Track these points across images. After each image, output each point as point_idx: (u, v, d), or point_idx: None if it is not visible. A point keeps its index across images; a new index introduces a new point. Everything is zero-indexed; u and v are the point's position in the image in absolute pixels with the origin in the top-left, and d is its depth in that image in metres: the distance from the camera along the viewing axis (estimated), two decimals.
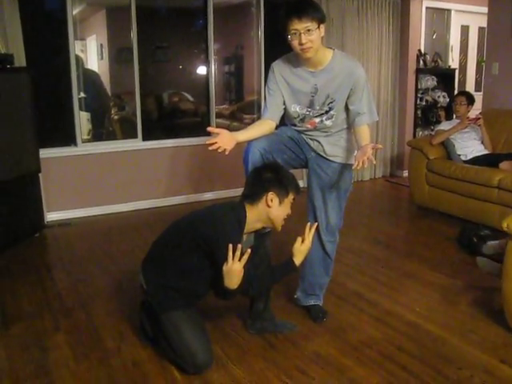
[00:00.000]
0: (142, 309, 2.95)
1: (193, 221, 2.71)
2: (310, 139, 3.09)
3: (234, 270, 2.48)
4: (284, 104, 3.02)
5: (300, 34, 2.70)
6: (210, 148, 2.67)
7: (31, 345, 3.02)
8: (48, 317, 3.35)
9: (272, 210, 2.68)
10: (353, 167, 2.72)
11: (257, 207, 2.69)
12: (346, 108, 2.98)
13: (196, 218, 2.73)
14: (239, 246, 2.45)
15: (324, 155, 3.09)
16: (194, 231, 2.62)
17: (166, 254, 2.74)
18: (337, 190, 3.11)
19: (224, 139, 2.70)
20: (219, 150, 2.68)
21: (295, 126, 3.10)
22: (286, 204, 2.72)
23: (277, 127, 3.08)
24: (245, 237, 2.73)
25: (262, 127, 3.01)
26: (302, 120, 3.03)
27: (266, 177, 2.69)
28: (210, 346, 2.74)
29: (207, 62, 6.29)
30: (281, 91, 2.99)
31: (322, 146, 3.07)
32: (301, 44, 2.73)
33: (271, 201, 2.67)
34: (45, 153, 5.25)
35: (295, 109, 3.00)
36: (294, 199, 2.77)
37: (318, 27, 2.73)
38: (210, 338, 2.80)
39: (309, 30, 2.70)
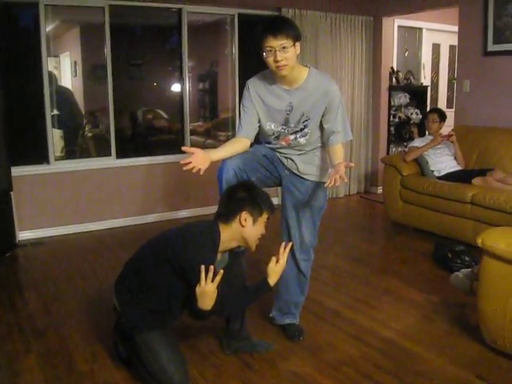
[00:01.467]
0: (115, 330, 2.89)
1: (165, 240, 2.67)
2: (284, 157, 3.09)
3: (207, 291, 2.44)
4: (259, 122, 3.01)
5: (275, 51, 2.70)
6: (185, 168, 2.64)
7: (1, 368, 2.94)
8: (19, 339, 3.27)
9: (246, 229, 2.66)
10: (325, 185, 2.71)
11: (231, 226, 2.66)
12: (321, 126, 2.98)
13: (168, 238, 2.68)
14: (211, 267, 2.41)
15: (298, 173, 3.08)
16: (166, 251, 2.57)
17: (138, 274, 2.70)
18: (311, 208, 3.11)
19: (198, 159, 2.68)
20: (193, 170, 2.65)
21: (270, 143, 3.09)
22: (260, 223, 2.70)
23: (251, 145, 3.07)
24: (219, 256, 2.70)
25: (237, 145, 2.99)
26: (277, 137, 3.03)
27: (240, 196, 2.67)
28: (186, 367, 2.69)
29: (181, 80, 6.28)
30: (256, 109, 2.98)
31: (296, 164, 3.07)
32: (276, 61, 2.72)
33: (245, 220, 2.64)
34: (17, 171, 5.17)
35: (270, 126, 2.99)
36: (268, 218, 2.74)
37: (294, 45, 2.73)
38: (185, 359, 2.75)
39: (284, 48, 2.70)
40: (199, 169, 2.66)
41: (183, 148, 2.77)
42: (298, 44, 2.77)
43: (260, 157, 3.06)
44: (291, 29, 2.74)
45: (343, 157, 2.93)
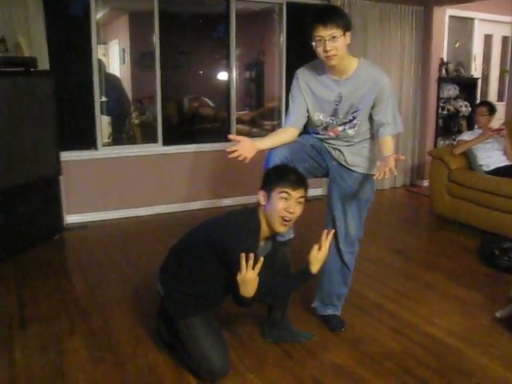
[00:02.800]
0: (159, 314, 2.95)
1: (209, 228, 2.69)
2: (332, 148, 3.07)
3: (248, 278, 2.43)
4: (307, 112, 3.00)
5: (325, 41, 2.68)
6: (230, 156, 2.65)
7: (48, 347, 3.03)
8: (65, 319, 3.36)
9: (265, 207, 2.62)
10: (374, 177, 2.68)
11: (262, 210, 2.66)
12: (370, 118, 2.95)
13: (211, 225, 2.71)
14: (251, 255, 2.40)
15: (345, 165, 3.05)
16: (208, 239, 2.61)
17: (182, 260, 2.73)
18: (357, 200, 3.08)
19: (245, 147, 2.69)
20: (239, 158, 2.66)
21: (318, 133, 3.08)
22: (276, 199, 2.56)
23: (300, 134, 3.06)
24: (262, 243, 2.71)
25: (284, 135, 2.99)
26: (326, 128, 3.01)
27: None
28: (227, 353, 2.72)
29: (229, 68, 6.29)
30: (304, 99, 2.97)
31: (344, 155, 3.04)
32: (325, 51, 2.70)
33: (262, 198, 2.62)
34: (66, 156, 5.29)
35: (319, 117, 2.98)
36: (285, 192, 2.57)
37: (344, 35, 2.71)
38: (227, 345, 2.78)
39: (334, 37, 2.68)
40: (245, 157, 2.67)
41: (229, 136, 2.78)
42: (348, 34, 2.73)
43: (308, 147, 3.05)
44: (341, 18, 2.71)
45: (393, 149, 2.88)
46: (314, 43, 2.74)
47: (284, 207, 2.56)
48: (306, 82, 2.96)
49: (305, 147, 3.03)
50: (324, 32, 2.67)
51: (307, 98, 2.97)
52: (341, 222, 3.10)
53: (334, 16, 2.69)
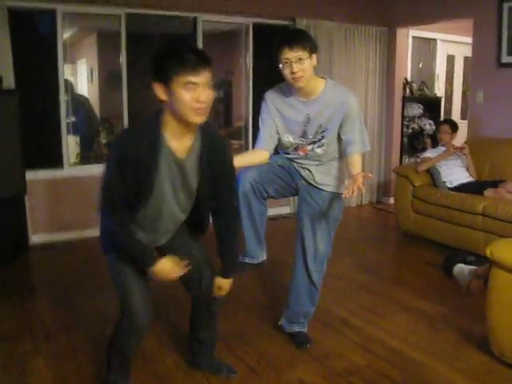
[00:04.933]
0: None
1: None
2: (301, 167, 3.11)
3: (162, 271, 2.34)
4: (277, 134, 3.04)
5: (291, 63, 2.74)
6: None
7: (11, 367, 2.98)
8: (29, 340, 3.31)
9: (168, 104, 2.14)
10: (343, 195, 2.72)
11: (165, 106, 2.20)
12: (338, 137, 2.99)
13: None
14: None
15: (314, 184, 3.09)
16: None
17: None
18: (326, 218, 3.10)
19: None
20: None
21: (288, 154, 3.12)
22: (179, 92, 2.07)
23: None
24: (177, 145, 2.25)
25: (255, 157, 3.04)
26: (295, 149, 3.05)
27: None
28: (151, 306, 2.48)
29: None
30: (274, 121, 3.02)
31: (313, 174, 3.08)
32: (292, 73, 2.75)
33: (160, 93, 2.14)
34: (32, 175, 5.24)
35: (288, 138, 3.02)
36: (191, 82, 2.07)
37: (310, 57, 2.77)
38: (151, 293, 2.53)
39: (300, 59, 2.73)
40: None
41: None
42: (314, 56, 2.80)
43: (277, 168, 3.09)
44: (307, 40, 2.78)
45: (360, 167, 2.93)
46: (280, 65, 2.79)
47: (193, 98, 2.07)
48: (275, 105, 3.01)
49: (273, 168, 3.08)
50: (290, 54, 2.73)
51: (276, 121, 3.01)
52: (310, 241, 3.11)
53: (299, 39, 2.76)
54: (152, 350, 3.16)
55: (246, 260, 3.20)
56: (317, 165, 3.07)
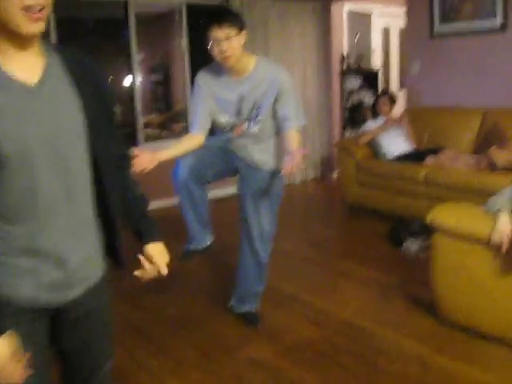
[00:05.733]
0: None
1: None
2: (238, 147, 3.08)
3: None
4: (212, 115, 2.99)
5: (220, 41, 2.70)
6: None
7: None
8: None
9: None
10: (281, 173, 2.71)
11: None
12: (274, 114, 2.97)
13: None
14: None
15: (253, 164, 3.08)
16: None
17: None
18: (269, 196, 3.09)
19: (143, 160, 2.63)
20: (137, 171, 2.62)
21: (224, 134, 3.09)
22: None
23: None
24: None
25: (189, 143, 2.97)
26: (232, 128, 3.02)
27: None
28: None
29: (131, 72, 6.19)
30: (207, 103, 2.96)
31: (251, 154, 3.06)
32: (222, 52, 2.72)
33: None
34: None
35: (224, 118, 2.98)
36: None
37: (238, 34, 2.74)
38: None
39: (229, 38, 2.70)
40: (144, 168, 2.63)
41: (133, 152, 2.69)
42: (242, 33, 2.77)
43: (214, 150, 3.07)
44: (234, 18, 2.75)
45: (298, 143, 2.91)
46: (210, 44, 2.75)
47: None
48: (207, 86, 2.96)
49: (211, 151, 3.05)
50: (219, 33, 2.69)
51: (210, 102, 2.96)
52: (254, 219, 3.10)
53: (227, 17, 2.73)
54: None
55: (192, 247, 3.17)
56: (253, 143, 3.05)
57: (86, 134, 1.41)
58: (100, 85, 1.51)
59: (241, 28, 2.76)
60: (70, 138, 1.39)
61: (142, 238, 1.65)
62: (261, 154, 3.07)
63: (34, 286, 1.39)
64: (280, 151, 3.09)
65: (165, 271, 1.62)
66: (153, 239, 1.65)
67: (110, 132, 1.53)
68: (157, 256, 1.62)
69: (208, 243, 3.17)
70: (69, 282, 1.44)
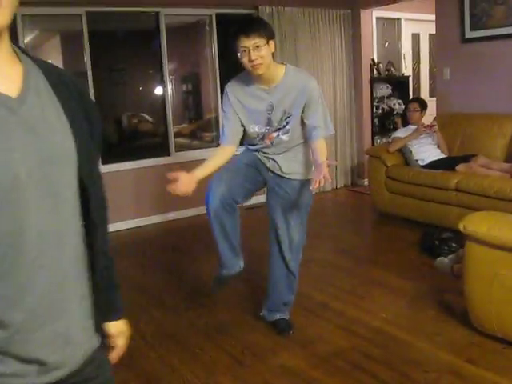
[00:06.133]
0: None
1: None
2: (266, 158, 3.10)
3: None
4: (242, 126, 3.02)
5: (249, 50, 2.74)
6: (173, 193, 2.67)
7: None
8: None
9: None
10: (311, 187, 2.68)
11: None
12: (302, 122, 2.99)
13: None
14: None
15: (281, 174, 3.09)
16: None
17: None
18: (298, 206, 3.10)
19: (183, 183, 2.68)
20: (180, 195, 2.67)
21: (253, 145, 3.11)
22: None
23: None
24: None
25: (221, 157, 3.00)
26: (262, 138, 3.04)
27: None
28: None
29: (163, 82, 6.28)
30: (237, 114, 2.99)
31: (279, 164, 3.08)
32: (251, 61, 2.75)
33: None
34: None
35: (254, 129, 3.00)
36: None
37: (267, 43, 2.77)
38: None
39: (258, 47, 2.74)
40: (186, 192, 2.68)
41: (168, 175, 2.69)
42: (271, 42, 2.80)
43: (243, 168, 3.10)
44: (263, 27, 2.79)
45: (325, 153, 2.91)
46: (239, 54, 2.79)
47: None
48: (237, 97, 2.99)
49: (240, 170, 3.09)
50: (247, 42, 2.73)
51: (240, 113, 2.99)
52: (283, 230, 3.11)
53: (255, 26, 2.78)
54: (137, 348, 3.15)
55: (225, 272, 3.21)
56: (283, 152, 3.06)
57: (76, 162, 1.09)
58: (88, 105, 1.20)
59: (269, 37, 2.79)
60: (61, 165, 1.06)
61: (106, 310, 1.26)
62: (289, 164, 3.08)
63: None
64: (308, 160, 3.10)
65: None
66: (117, 316, 1.34)
67: (97, 160, 1.22)
68: (119, 337, 1.35)
69: (240, 268, 3.19)
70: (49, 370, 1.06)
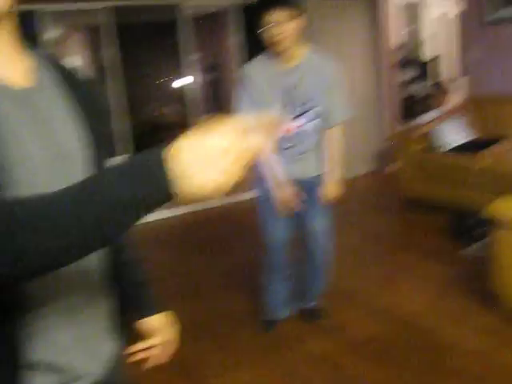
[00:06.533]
0: None
1: None
2: (296, 160, 2.97)
3: None
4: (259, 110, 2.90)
5: (271, 26, 2.69)
6: None
7: None
8: None
9: None
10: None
11: None
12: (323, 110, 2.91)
13: None
14: None
15: (311, 179, 3.02)
16: None
17: None
18: (320, 199, 3.06)
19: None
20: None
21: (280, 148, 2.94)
22: None
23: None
24: None
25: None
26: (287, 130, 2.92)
27: None
28: None
29: (184, 73, 6.33)
30: (254, 97, 2.88)
31: (308, 165, 3.02)
32: (273, 36, 2.70)
33: None
34: None
35: (274, 111, 2.95)
36: None
37: (291, 20, 2.70)
38: None
39: (281, 22, 2.67)
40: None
41: None
42: (297, 19, 2.72)
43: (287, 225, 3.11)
44: (287, 4, 2.70)
45: (337, 144, 2.96)
46: (262, 30, 2.73)
47: None
48: (257, 78, 2.89)
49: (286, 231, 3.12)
50: (271, 17, 2.67)
51: (259, 94, 2.87)
52: (310, 223, 3.10)
53: (279, 2, 2.69)
54: None
55: (274, 317, 3.28)
56: (310, 147, 2.98)
57: (87, 158, 1.05)
58: (97, 100, 1.18)
59: (295, 14, 2.71)
60: (72, 160, 1.02)
61: (145, 307, 1.28)
62: (316, 160, 3.03)
63: None
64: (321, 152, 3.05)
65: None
66: (156, 310, 1.30)
67: (107, 156, 1.14)
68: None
69: (286, 316, 3.29)
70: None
